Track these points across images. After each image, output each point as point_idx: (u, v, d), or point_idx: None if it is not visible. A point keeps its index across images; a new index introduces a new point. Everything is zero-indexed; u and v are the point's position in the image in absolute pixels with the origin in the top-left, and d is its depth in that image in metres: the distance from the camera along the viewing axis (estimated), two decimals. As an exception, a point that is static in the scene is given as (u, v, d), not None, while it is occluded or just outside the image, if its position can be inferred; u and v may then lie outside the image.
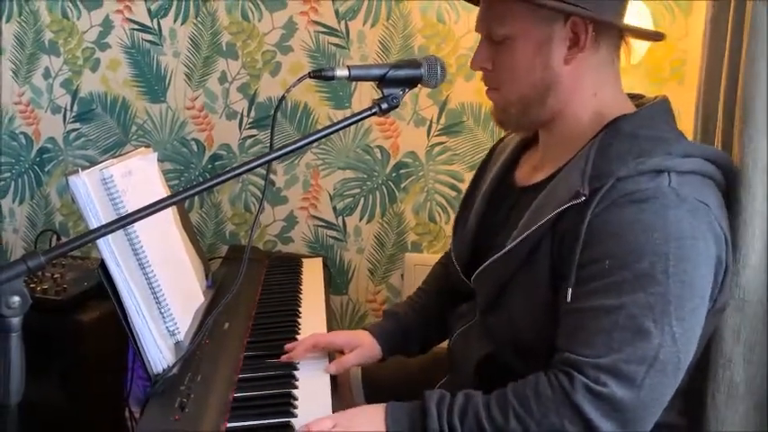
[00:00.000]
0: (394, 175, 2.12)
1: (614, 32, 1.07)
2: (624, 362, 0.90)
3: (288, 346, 1.28)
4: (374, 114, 1.03)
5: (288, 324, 1.43)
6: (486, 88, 1.13)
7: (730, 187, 1.07)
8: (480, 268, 1.13)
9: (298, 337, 1.37)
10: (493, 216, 1.20)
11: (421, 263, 2.04)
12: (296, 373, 1.22)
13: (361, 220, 2.17)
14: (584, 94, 1.07)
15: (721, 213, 0.99)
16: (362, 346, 1.30)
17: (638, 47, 1.73)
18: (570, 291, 0.96)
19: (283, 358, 1.26)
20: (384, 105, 1.02)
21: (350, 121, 1.01)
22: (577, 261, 0.96)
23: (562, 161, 1.07)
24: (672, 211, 0.93)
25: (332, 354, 1.31)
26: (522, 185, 1.18)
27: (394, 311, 1.40)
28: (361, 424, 1.02)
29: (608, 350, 0.91)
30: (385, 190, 2.13)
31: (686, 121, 1.80)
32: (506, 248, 1.06)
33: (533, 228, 1.02)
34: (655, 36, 1.12)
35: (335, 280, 2.19)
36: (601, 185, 0.97)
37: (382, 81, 1.03)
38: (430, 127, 2.07)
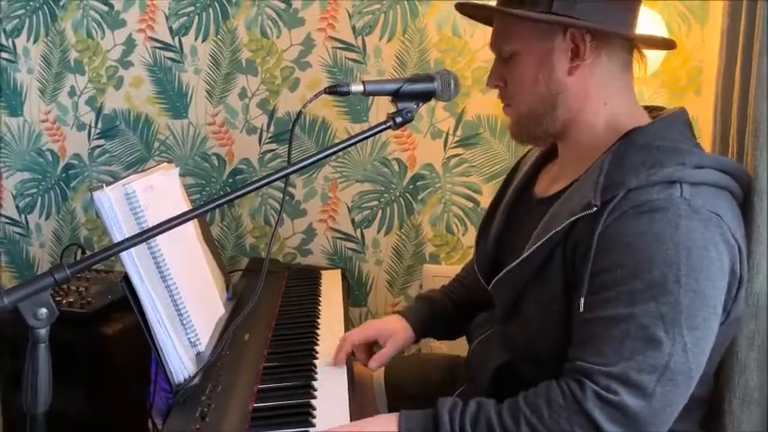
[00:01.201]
0: (411, 187, 2.13)
1: (619, 42, 1.08)
2: (635, 371, 0.91)
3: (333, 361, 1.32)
4: (389, 128, 1.05)
5: (307, 335, 1.45)
6: (503, 105, 1.16)
7: (747, 197, 1.07)
8: (497, 277, 1.15)
9: (317, 348, 1.38)
10: (512, 227, 1.22)
11: (439, 274, 2.05)
12: (314, 383, 1.24)
13: (379, 231, 2.19)
14: (595, 104, 1.09)
15: (736, 224, 0.99)
16: (395, 333, 1.34)
17: (653, 57, 1.74)
18: (583, 300, 0.97)
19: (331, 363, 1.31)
20: (399, 119, 1.05)
21: (365, 136, 1.03)
22: (590, 271, 0.97)
23: (578, 172, 1.09)
24: (683, 221, 0.93)
25: (350, 361, 1.33)
26: (539, 197, 1.19)
27: (428, 296, 1.44)
28: (374, 427, 1.04)
29: (619, 359, 0.92)
30: (402, 202, 2.15)
31: (704, 131, 1.79)
32: (521, 258, 1.07)
33: (546, 237, 1.03)
34: (665, 44, 1.13)
35: (354, 291, 2.20)
36: (613, 196, 0.97)
37: (396, 95, 1.06)
38: (446, 139, 2.09)
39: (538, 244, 1.04)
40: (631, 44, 1.10)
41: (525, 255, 1.06)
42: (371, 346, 1.38)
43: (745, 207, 1.08)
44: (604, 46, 1.06)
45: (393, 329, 1.35)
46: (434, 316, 1.40)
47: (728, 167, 1.03)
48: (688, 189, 0.96)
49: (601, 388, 0.91)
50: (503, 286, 1.14)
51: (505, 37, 1.11)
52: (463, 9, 1.22)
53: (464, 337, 1.38)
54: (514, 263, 1.09)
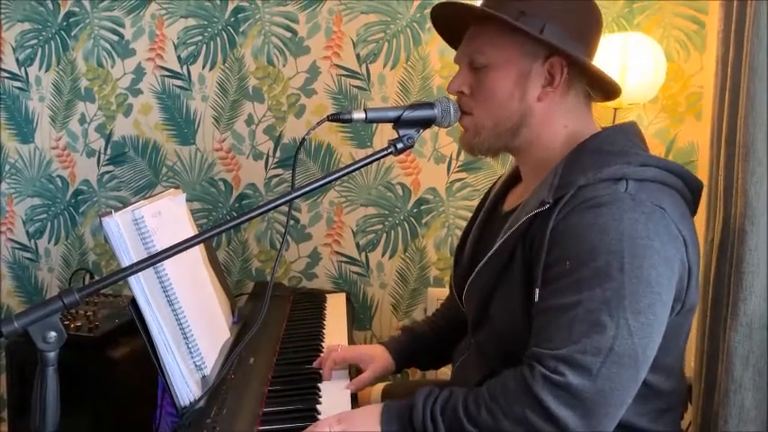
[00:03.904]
0: (415, 211, 2.16)
1: (585, 77, 1.13)
2: (580, 352, 0.94)
3: (316, 365, 1.39)
4: (390, 154, 1.08)
5: (311, 359, 1.46)
6: (460, 114, 1.17)
7: (696, 198, 1.12)
8: (468, 282, 1.19)
9: (321, 371, 1.40)
10: (483, 242, 1.27)
11: (443, 297, 2.05)
12: (318, 407, 1.25)
13: (383, 255, 2.20)
14: (556, 127, 1.14)
15: (680, 219, 1.03)
16: (375, 360, 1.39)
17: (652, 83, 1.76)
18: (537, 291, 1.02)
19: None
20: (399, 145, 1.08)
21: (366, 162, 1.06)
22: (543, 263, 1.02)
23: (538, 183, 1.13)
24: (627, 213, 0.98)
25: (352, 374, 1.38)
26: (505, 211, 1.25)
27: (411, 327, 1.50)
28: (359, 418, 1.09)
29: (566, 342, 0.96)
30: (407, 226, 2.17)
31: (704, 155, 1.81)
32: (486, 257, 1.13)
33: (506, 235, 1.09)
34: (614, 89, 1.16)
35: (359, 315, 2.21)
36: (564, 194, 1.03)
37: (398, 122, 1.09)
38: (450, 164, 2.11)
39: (500, 242, 1.10)
40: (592, 82, 1.14)
41: (490, 254, 1.12)
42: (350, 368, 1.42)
43: (695, 205, 1.13)
44: (574, 79, 1.12)
45: (374, 356, 1.40)
46: (415, 347, 1.45)
47: (674, 168, 1.07)
48: (633, 185, 1.01)
49: (548, 370, 0.95)
50: (472, 291, 1.19)
51: (485, 47, 1.13)
52: (451, 10, 1.18)
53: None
54: (481, 263, 1.14)
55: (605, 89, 1.16)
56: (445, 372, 1.99)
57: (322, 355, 1.43)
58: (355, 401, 1.32)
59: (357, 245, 2.22)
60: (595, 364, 0.94)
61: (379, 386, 1.53)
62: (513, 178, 1.31)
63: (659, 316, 0.98)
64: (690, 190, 1.10)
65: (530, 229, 1.06)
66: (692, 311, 1.10)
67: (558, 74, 1.10)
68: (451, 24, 1.23)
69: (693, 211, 1.12)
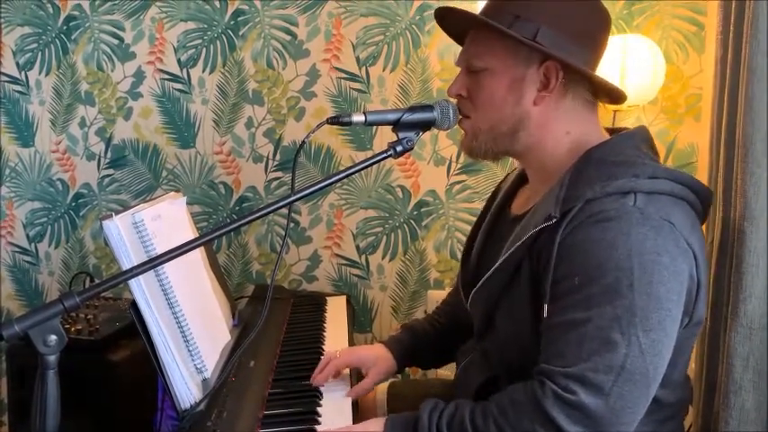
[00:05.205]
0: (415, 213, 2.16)
1: (584, 82, 1.12)
2: (592, 371, 0.94)
3: (316, 372, 1.35)
4: (389, 157, 1.08)
5: (312, 362, 1.45)
6: (460, 118, 1.17)
7: (706, 208, 1.11)
8: (473, 291, 1.19)
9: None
10: (491, 245, 1.26)
11: (443, 300, 2.06)
12: (319, 409, 1.25)
13: (383, 258, 2.20)
14: (556, 133, 1.13)
15: (690, 232, 1.02)
16: (377, 362, 1.37)
17: (652, 85, 1.77)
18: (546, 307, 1.01)
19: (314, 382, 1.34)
20: (399, 148, 1.08)
21: (365, 165, 1.06)
22: (551, 279, 1.01)
23: (546, 190, 1.12)
24: (635, 228, 0.97)
25: (353, 376, 1.37)
26: (514, 215, 1.23)
27: (411, 326, 1.48)
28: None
29: (577, 360, 0.95)
30: (407, 228, 2.17)
31: (703, 156, 1.82)
32: (491, 270, 1.12)
33: (513, 249, 1.08)
34: (618, 94, 1.15)
35: (359, 318, 2.22)
36: (571, 208, 1.02)
37: (397, 125, 1.09)
38: (449, 166, 2.11)
39: (505, 256, 1.09)
40: (593, 86, 1.13)
41: (495, 267, 1.11)
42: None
43: (704, 214, 1.12)
44: (571, 83, 1.10)
45: (375, 358, 1.38)
46: (416, 346, 1.43)
47: (684, 179, 1.06)
48: (642, 198, 1.00)
49: (560, 388, 0.94)
50: (478, 299, 1.19)
51: (481, 53, 1.13)
52: (449, 15, 1.19)
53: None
54: (487, 275, 1.13)
55: (607, 92, 1.14)
56: (447, 373, 1.99)
57: (321, 360, 1.40)
58: (356, 405, 1.31)
59: (357, 247, 2.22)
60: (607, 383, 0.93)
61: (385, 384, 1.51)
62: (522, 178, 1.30)
63: (669, 332, 0.98)
64: (700, 200, 1.08)
65: (536, 242, 1.05)
66: (699, 325, 1.09)
67: (554, 78, 1.09)
68: (457, 24, 1.23)
69: (703, 221, 1.10)
